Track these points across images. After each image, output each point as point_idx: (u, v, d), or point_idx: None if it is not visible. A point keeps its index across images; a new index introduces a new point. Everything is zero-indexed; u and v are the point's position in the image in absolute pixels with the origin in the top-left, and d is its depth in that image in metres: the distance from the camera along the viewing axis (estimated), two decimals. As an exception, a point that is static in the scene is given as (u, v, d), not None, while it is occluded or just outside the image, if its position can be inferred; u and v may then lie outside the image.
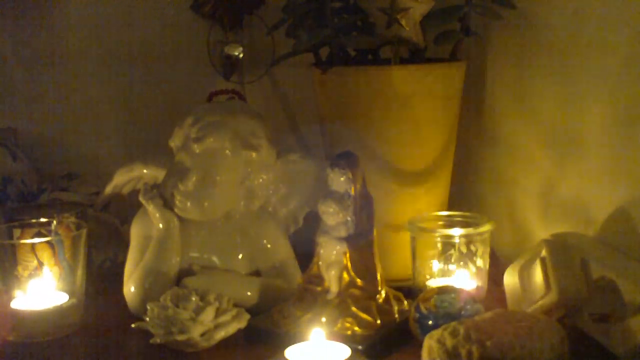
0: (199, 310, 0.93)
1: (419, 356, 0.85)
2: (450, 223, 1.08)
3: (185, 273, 1.05)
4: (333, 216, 0.94)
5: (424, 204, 1.12)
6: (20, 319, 0.99)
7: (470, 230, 1.04)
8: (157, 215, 1.06)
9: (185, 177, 1.04)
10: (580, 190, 1.04)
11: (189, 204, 1.04)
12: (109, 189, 1.13)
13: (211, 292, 0.96)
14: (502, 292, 1.01)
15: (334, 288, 0.95)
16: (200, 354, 0.93)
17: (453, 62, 1.12)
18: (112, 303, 1.08)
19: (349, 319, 0.92)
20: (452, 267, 1.04)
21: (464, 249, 1.04)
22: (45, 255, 1.02)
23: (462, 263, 1.04)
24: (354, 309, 0.93)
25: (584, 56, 1.01)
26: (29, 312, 0.99)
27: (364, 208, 0.96)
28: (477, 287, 1.04)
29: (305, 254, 1.01)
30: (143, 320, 0.95)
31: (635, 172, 0.96)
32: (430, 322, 0.91)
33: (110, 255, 1.22)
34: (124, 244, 1.12)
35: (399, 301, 0.99)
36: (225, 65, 1.36)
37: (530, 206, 1.13)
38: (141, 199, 1.06)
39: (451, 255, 1.04)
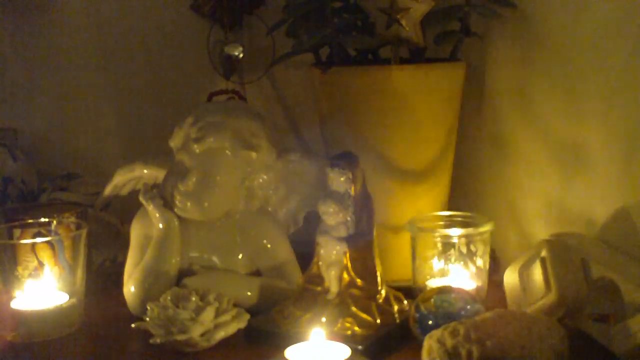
0: (199, 310, 0.93)
1: (419, 356, 0.85)
2: (450, 223, 1.08)
3: (185, 273, 1.05)
4: (333, 216, 0.94)
5: (424, 203, 1.12)
6: (20, 319, 0.99)
7: (470, 230, 1.04)
8: (157, 215, 1.06)
9: (185, 177, 1.04)
10: (580, 190, 1.04)
11: (189, 204, 1.04)
12: (109, 189, 1.13)
13: (211, 292, 0.96)
14: (502, 292, 1.01)
15: (334, 288, 0.95)
16: (200, 354, 0.93)
17: (453, 62, 1.12)
18: (112, 303, 1.08)
19: (349, 319, 0.92)
20: (452, 267, 1.04)
21: (464, 249, 1.04)
22: (45, 255, 1.02)
23: (462, 263, 1.04)
24: (354, 309, 0.93)
25: (584, 56, 1.01)
26: (29, 312, 0.99)
27: (364, 208, 0.96)
28: (477, 287, 1.04)
29: (305, 254, 1.01)
30: (143, 320, 0.95)
31: (636, 171, 0.96)
32: (430, 322, 0.91)
33: (110, 255, 1.22)
34: (124, 244, 1.12)
35: (399, 301, 0.99)
36: (225, 65, 1.36)
37: (531, 206, 1.13)
38: (141, 199, 1.06)
39: (451, 255, 1.04)
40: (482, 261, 1.04)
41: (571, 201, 1.06)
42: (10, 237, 1.05)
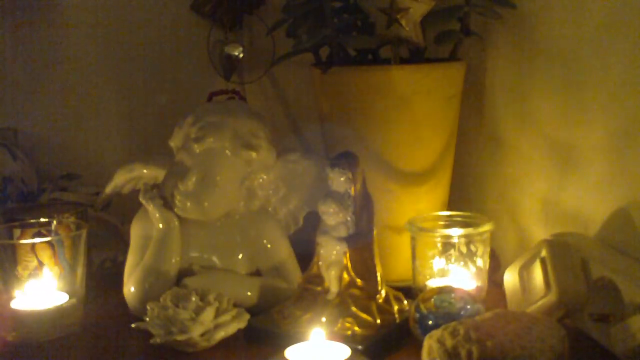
0: (199, 310, 0.93)
1: (419, 356, 0.85)
2: (450, 223, 1.08)
3: (185, 273, 1.05)
4: (333, 216, 0.94)
5: (424, 204, 1.12)
6: (20, 319, 0.99)
7: (470, 230, 1.04)
8: (157, 215, 1.06)
9: (185, 177, 1.04)
10: (581, 190, 1.04)
11: (189, 204, 1.04)
12: (109, 189, 1.13)
13: (211, 292, 0.96)
14: (502, 292, 1.01)
15: (334, 288, 0.95)
16: (200, 354, 0.93)
17: (453, 62, 1.12)
18: (112, 303, 1.08)
19: (349, 319, 0.92)
20: (452, 267, 1.04)
21: (464, 249, 1.04)
22: (45, 255, 1.02)
23: (462, 263, 1.04)
24: (354, 309, 0.93)
25: (584, 56, 1.01)
26: (29, 312, 0.99)
27: (364, 208, 0.96)
28: (477, 287, 1.04)
29: (305, 254, 1.01)
30: (143, 320, 0.95)
31: (637, 172, 0.96)
32: (430, 322, 0.91)
33: (110, 255, 1.22)
34: (124, 244, 1.12)
35: (399, 301, 0.99)
36: (225, 65, 1.36)
37: (531, 206, 1.13)
38: (141, 199, 1.06)
39: (451, 255, 1.04)
40: (482, 261, 1.04)
41: (571, 201, 1.06)
42: (10, 237, 1.05)
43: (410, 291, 1.05)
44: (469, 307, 0.92)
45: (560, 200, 1.08)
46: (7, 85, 1.35)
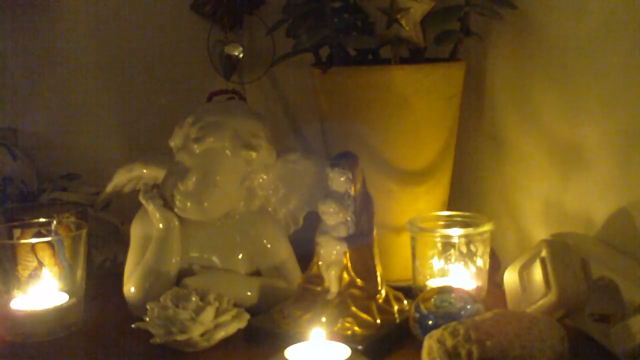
0: (199, 310, 0.93)
1: (419, 356, 0.85)
2: (450, 223, 1.08)
3: (185, 273, 1.05)
4: (333, 216, 0.94)
5: (424, 204, 1.12)
6: (20, 319, 0.99)
7: (470, 230, 1.04)
8: (157, 215, 1.06)
9: (185, 177, 1.04)
10: (580, 189, 1.04)
11: (189, 204, 1.04)
12: (109, 189, 1.13)
13: (211, 292, 0.96)
14: (502, 292, 1.01)
15: (334, 288, 0.95)
16: (200, 354, 0.93)
17: (453, 62, 1.12)
18: (112, 303, 1.08)
19: (349, 319, 0.92)
20: (452, 267, 1.04)
21: (464, 249, 1.04)
22: (45, 255, 1.02)
23: (462, 263, 1.04)
24: (354, 309, 0.93)
25: (584, 56, 1.01)
26: (29, 312, 0.99)
27: (364, 208, 0.96)
28: (477, 287, 1.04)
29: (305, 254, 1.01)
30: (143, 320, 0.95)
31: (635, 171, 0.96)
32: (430, 322, 0.91)
33: (110, 255, 1.22)
34: (124, 244, 1.12)
35: (399, 301, 0.99)
36: (225, 65, 1.36)
37: (531, 206, 1.13)
38: (141, 199, 1.06)
39: (451, 255, 1.04)
40: (482, 261, 1.04)
41: (571, 201, 1.06)
42: (10, 237, 1.05)
43: (410, 291, 1.05)
44: (469, 307, 0.92)
45: (561, 200, 1.08)
46: (7, 85, 1.35)
